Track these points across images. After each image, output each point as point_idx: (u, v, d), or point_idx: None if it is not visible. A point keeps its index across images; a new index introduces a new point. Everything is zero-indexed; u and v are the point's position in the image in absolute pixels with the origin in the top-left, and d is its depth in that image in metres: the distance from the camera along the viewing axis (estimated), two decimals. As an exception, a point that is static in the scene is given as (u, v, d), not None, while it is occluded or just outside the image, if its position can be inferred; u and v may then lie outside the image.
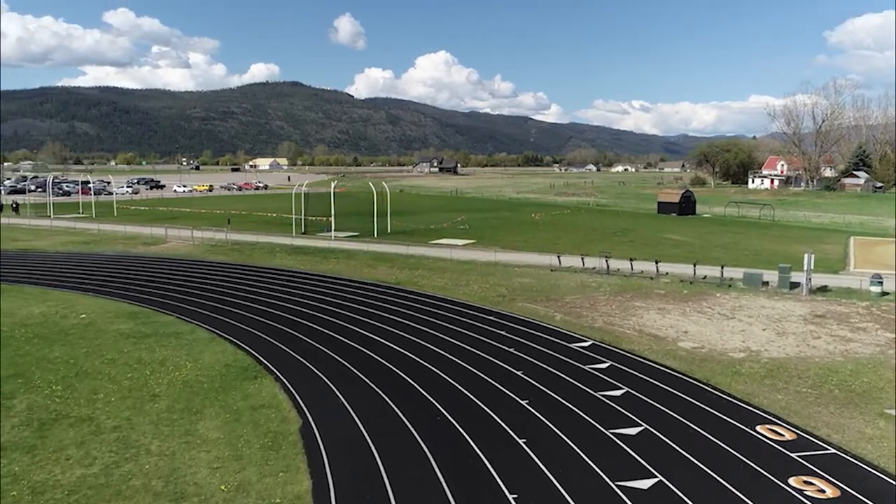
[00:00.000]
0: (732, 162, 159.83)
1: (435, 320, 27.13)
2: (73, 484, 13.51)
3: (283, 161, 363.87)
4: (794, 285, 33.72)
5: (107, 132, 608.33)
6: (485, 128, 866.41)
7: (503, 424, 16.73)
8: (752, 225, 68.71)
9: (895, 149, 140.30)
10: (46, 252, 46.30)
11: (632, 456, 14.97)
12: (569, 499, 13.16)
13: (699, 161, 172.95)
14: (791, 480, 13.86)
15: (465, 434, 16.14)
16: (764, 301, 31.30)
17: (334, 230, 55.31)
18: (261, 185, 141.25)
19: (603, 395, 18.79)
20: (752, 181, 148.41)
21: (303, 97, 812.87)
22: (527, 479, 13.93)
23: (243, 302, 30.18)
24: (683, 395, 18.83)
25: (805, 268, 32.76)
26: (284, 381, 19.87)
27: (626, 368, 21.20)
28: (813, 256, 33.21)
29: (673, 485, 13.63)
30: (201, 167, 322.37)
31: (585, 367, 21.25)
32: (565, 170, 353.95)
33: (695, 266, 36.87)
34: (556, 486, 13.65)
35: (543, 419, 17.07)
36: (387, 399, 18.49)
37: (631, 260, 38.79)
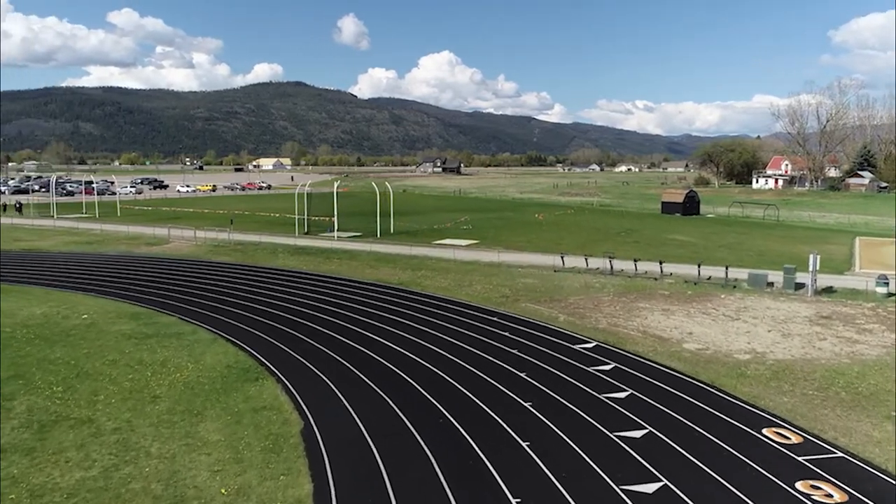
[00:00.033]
0: (736, 162, 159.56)
1: (438, 321, 26.98)
2: (71, 487, 13.40)
3: (287, 161, 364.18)
4: (799, 286, 33.50)
5: (111, 132, 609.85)
6: (488, 128, 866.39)
7: (506, 427, 16.58)
8: (757, 225, 68.43)
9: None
10: (49, 252, 46.27)
11: (636, 459, 14.80)
12: (572, 503, 13.00)
13: (703, 161, 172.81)
14: (798, 485, 13.68)
15: (467, 437, 15.98)
16: (769, 302, 31.08)
17: (337, 230, 55.21)
18: (264, 185, 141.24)
19: (607, 397, 18.62)
20: (756, 181, 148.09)
21: (306, 97, 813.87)
22: (530, 483, 13.77)
23: (245, 302, 30.07)
24: (688, 398, 18.65)
25: (810, 268, 32.52)
26: (286, 382, 19.74)
27: (630, 370, 21.02)
28: (818, 257, 32.97)
29: (678, 489, 13.46)
30: (205, 167, 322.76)
31: (589, 369, 21.08)
32: (569, 170, 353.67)
33: (699, 267, 36.66)
34: (559, 489, 13.49)
35: (547, 421, 16.91)
36: (389, 401, 18.35)
37: (635, 260, 38.59)
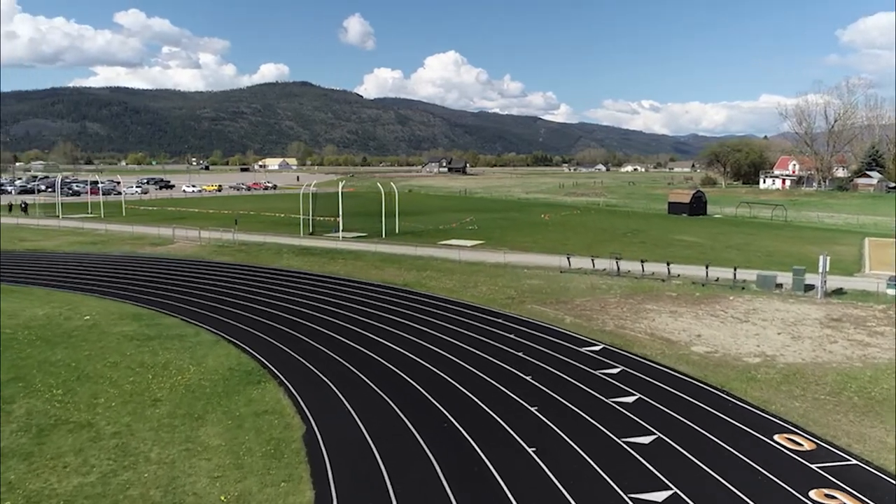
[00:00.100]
0: (743, 162, 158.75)
1: (443, 323, 26.68)
2: (69, 493, 13.14)
3: (293, 161, 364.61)
4: (809, 287, 33.07)
5: (117, 132, 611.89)
6: (494, 128, 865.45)
7: (512, 432, 16.26)
8: (764, 226, 67.90)
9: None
10: (53, 252, 46.17)
11: (645, 466, 14.46)
12: (580, 512, 12.68)
13: (710, 161, 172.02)
14: (812, 493, 13.32)
15: (473, 443, 15.67)
16: (778, 304, 30.67)
17: (342, 231, 54.98)
18: (269, 185, 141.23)
19: (614, 402, 18.28)
20: (764, 181, 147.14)
21: (312, 97, 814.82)
22: (536, 490, 13.45)
23: (248, 304, 29.83)
24: (698, 402, 18.29)
25: (820, 270, 32.07)
26: (289, 385, 19.47)
27: (638, 374, 20.67)
28: (828, 258, 32.52)
29: (688, 498, 13.11)
30: (211, 167, 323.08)
31: (596, 372, 20.75)
32: (574, 170, 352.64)
33: (707, 268, 36.25)
34: (566, 496, 13.16)
35: (553, 426, 16.59)
36: (392, 405, 18.05)
37: (642, 261, 38.20)
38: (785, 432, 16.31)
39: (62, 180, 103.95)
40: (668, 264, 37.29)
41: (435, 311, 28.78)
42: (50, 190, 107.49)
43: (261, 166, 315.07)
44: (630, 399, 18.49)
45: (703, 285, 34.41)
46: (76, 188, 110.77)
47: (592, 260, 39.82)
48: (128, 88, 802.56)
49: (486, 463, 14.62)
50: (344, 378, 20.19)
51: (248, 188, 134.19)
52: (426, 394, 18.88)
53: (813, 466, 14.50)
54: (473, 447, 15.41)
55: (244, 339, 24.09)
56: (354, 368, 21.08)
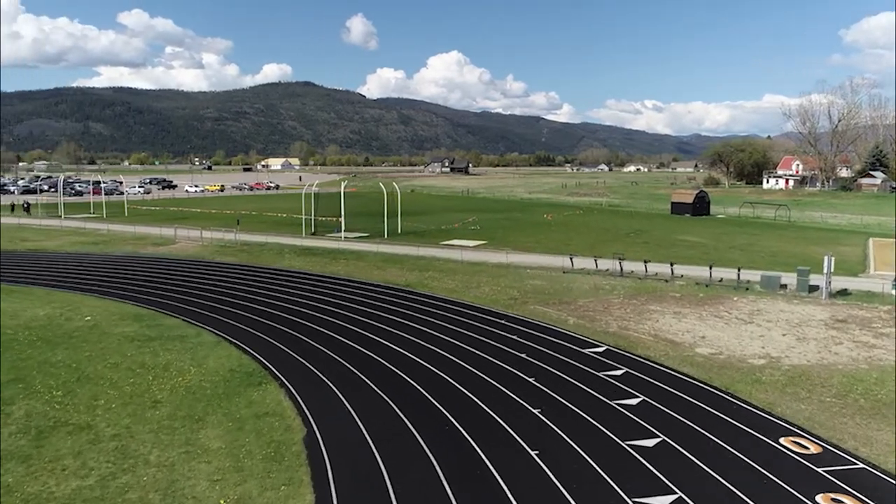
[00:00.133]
0: (747, 162, 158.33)
1: (444, 323, 26.53)
2: (67, 497, 13.02)
3: (295, 161, 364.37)
4: (813, 288, 32.85)
5: (121, 132, 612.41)
6: (496, 128, 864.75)
7: (515, 434, 16.10)
8: (768, 226, 67.64)
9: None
10: (54, 252, 46.11)
11: (649, 469, 14.29)
12: (583, 516, 12.53)
13: (713, 161, 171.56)
14: (819, 498, 13.15)
15: (476, 445, 15.51)
16: (783, 305, 30.47)
17: (344, 231, 54.87)
18: (272, 185, 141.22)
19: (618, 404, 18.12)
20: (767, 181, 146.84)
21: (315, 97, 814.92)
22: (539, 493, 13.29)
23: (250, 304, 29.71)
24: (702, 405, 18.12)
25: (825, 270, 31.84)
26: (290, 387, 19.34)
27: (641, 375, 20.50)
28: (833, 259, 32.30)
29: (693, 501, 12.94)
30: (213, 167, 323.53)
31: (599, 374, 20.58)
32: (577, 170, 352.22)
33: (710, 268, 36.05)
34: (569, 500, 13.01)
35: (556, 429, 16.43)
36: (394, 407, 17.90)
37: (645, 262, 38.01)
38: (791, 435, 16.13)
39: (65, 180, 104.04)
40: (671, 265, 37.11)
41: (437, 311, 28.63)
42: (52, 190, 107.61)
43: (263, 166, 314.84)
44: (634, 401, 18.32)
45: (706, 286, 34.21)
46: (79, 188, 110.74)
47: (595, 260, 39.64)
48: (131, 88, 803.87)
49: (486, 464, 14.47)
50: (346, 379, 20.05)
51: (251, 188, 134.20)
52: (427, 395, 18.73)
53: (819, 470, 14.33)
54: (475, 449, 15.26)
55: (245, 340, 23.97)
56: (356, 369, 20.94)
